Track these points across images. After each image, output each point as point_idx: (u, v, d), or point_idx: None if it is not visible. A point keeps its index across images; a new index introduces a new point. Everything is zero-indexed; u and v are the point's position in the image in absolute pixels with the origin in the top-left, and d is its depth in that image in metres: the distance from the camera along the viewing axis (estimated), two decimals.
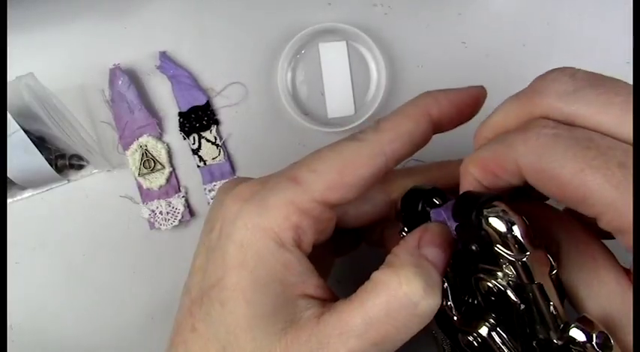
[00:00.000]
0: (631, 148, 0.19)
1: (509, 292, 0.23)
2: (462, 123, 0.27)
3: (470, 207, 0.23)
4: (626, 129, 0.19)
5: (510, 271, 0.23)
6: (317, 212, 0.24)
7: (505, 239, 0.22)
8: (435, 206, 0.28)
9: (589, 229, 0.23)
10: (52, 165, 0.38)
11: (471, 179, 0.24)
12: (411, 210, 0.29)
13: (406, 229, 0.30)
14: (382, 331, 0.22)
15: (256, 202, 0.24)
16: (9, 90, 0.37)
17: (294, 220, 0.24)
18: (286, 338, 0.23)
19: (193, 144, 0.42)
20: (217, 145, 0.42)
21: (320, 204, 0.24)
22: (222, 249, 0.24)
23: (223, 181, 0.42)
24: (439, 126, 0.26)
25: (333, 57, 0.42)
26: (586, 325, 0.22)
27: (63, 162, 0.40)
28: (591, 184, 0.19)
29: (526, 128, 0.21)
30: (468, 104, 0.26)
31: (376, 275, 0.23)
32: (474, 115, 0.27)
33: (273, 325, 0.23)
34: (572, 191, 0.19)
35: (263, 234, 0.23)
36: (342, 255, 0.33)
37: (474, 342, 0.25)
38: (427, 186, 0.28)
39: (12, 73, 0.38)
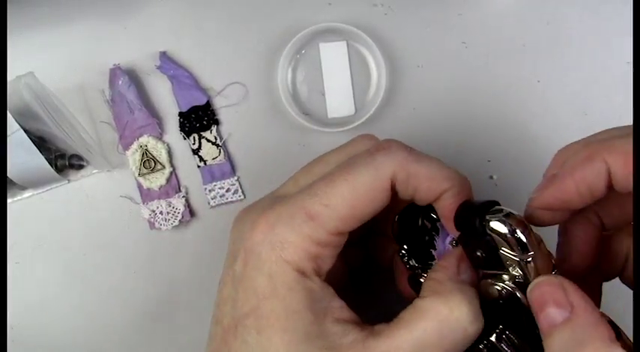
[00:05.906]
0: None
1: (517, 293, 0.24)
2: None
3: (472, 215, 0.24)
4: None
5: (517, 272, 0.24)
6: (333, 242, 0.26)
7: (509, 241, 0.23)
8: (434, 220, 0.29)
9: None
10: (52, 165, 0.38)
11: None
12: (411, 226, 0.29)
13: (406, 247, 0.30)
14: None
15: (278, 237, 0.25)
16: (9, 89, 0.37)
17: (313, 252, 0.25)
18: None
19: (193, 144, 0.42)
20: (217, 145, 0.42)
21: (335, 235, 0.26)
22: (251, 280, 0.25)
23: (224, 181, 0.42)
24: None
25: (333, 57, 0.42)
26: None
27: (63, 162, 0.40)
28: None
29: None
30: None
31: (424, 303, 0.25)
32: None
33: (313, 351, 0.24)
34: None
35: (287, 266, 0.25)
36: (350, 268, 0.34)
37: (485, 349, 0.25)
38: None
39: (12, 73, 0.38)
